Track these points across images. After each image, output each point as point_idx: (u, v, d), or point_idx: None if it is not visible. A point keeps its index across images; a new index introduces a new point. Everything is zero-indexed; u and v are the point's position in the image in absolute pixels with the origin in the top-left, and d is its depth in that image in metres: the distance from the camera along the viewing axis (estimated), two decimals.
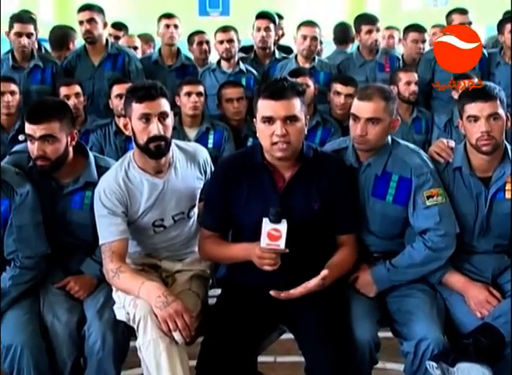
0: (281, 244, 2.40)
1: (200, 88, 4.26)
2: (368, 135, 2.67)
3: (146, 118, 2.58)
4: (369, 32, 4.84)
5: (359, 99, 2.70)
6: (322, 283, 2.48)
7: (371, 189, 2.74)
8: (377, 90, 2.71)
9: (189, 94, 4.18)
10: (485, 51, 4.68)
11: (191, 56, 5.28)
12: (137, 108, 2.58)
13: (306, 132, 2.59)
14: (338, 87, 4.34)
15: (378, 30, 4.88)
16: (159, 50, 5.11)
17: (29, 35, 4.57)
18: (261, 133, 2.53)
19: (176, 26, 5.02)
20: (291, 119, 2.47)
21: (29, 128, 2.71)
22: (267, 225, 2.40)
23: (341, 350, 2.41)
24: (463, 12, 5.04)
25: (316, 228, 2.62)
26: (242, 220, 2.64)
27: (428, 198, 2.65)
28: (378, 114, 2.66)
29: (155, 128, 2.58)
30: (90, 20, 4.65)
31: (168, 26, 5.00)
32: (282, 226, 2.39)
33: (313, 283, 2.47)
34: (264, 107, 2.50)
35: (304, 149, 2.60)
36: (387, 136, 2.74)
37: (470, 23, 4.87)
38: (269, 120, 2.48)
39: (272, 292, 2.47)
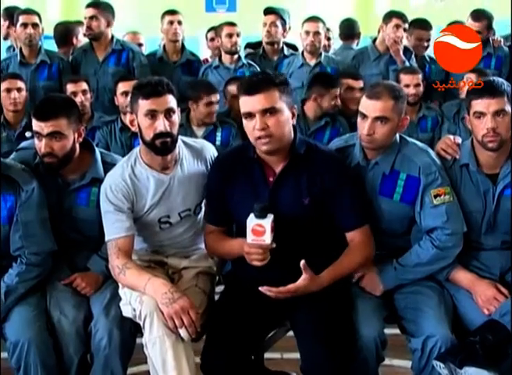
0: (266, 239, 2.40)
1: (218, 97, 4.24)
2: (376, 134, 2.64)
3: (152, 114, 2.57)
4: (397, 26, 4.79)
5: (367, 97, 2.67)
6: (308, 278, 2.47)
7: (379, 187, 2.72)
8: (386, 88, 2.67)
9: (209, 104, 4.18)
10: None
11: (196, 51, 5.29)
12: (144, 105, 2.58)
13: (292, 122, 2.57)
14: (350, 82, 4.34)
15: (405, 29, 4.84)
16: (164, 46, 5.10)
17: (34, 25, 4.61)
18: (245, 129, 2.54)
19: (179, 23, 5.02)
20: (270, 111, 2.46)
21: (36, 125, 2.71)
22: (251, 221, 2.40)
23: (339, 348, 2.40)
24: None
25: (308, 224, 2.59)
26: (237, 215, 2.62)
27: (436, 196, 2.63)
28: (387, 113, 2.63)
29: (161, 125, 2.58)
30: (92, 17, 4.68)
31: (171, 22, 5.00)
32: (266, 222, 2.39)
33: (299, 281, 2.47)
34: (243, 103, 2.51)
35: (295, 143, 2.58)
36: (395, 135, 2.72)
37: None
38: (249, 115, 2.49)
39: (261, 288, 2.47)
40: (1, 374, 2.81)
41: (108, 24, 4.76)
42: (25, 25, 4.62)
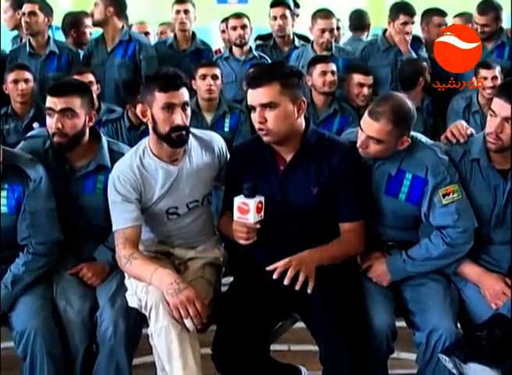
0: (250, 218, 2.44)
1: (216, 71, 4.26)
2: (369, 149, 2.61)
3: (169, 107, 2.56)
4: (405, 23, 4.72)
5: (368, 114, 2.59)
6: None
7: (385, 186, 2.70)
8: (391, 110, 2.55)
9: (204, 76, 4.20)
10: None
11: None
12: (161, 97, 2.56)
13: (299, 114, 2.56)
14: (360, 78, 4.30)
15: (413, 23, 4.79)
16: (174, 35, 5.12)
17: (33, 14, 4.61)
18: (252, 120, 2.59)
19: (186, 11, 5.00)
20: (268, 105, 2.49)
21: (50, 101, 2.73)
22: (238, 199, 2.45)
23: (356, 338, 2.41)
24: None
25: (317, 214, 2.60)
26: None
27: (445, 196, 2.60)
28: (381, 136, 2.57)
29: (179, 118, 2.58)
30: (95, 4, 4.68)
31: (178, 11, 5.00)
32: (252, 201, 2.43)
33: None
34: (248, 96, 2.57)
35: (307, 133, 2.60)
36: (391, 151, 2.64)
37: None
38: (252, 108, 2.54)
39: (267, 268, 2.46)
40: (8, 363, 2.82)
41: (116, 14, 4.72)
42: (24, 14, 4.63)
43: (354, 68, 4.50)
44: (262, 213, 2.46)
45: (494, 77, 4.23)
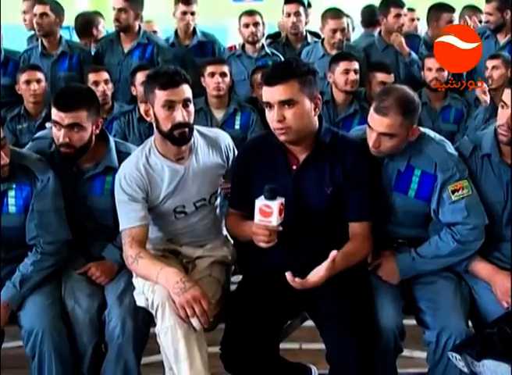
0: (272, 220, 2.39)
1: (225, 68, 4.23)
2: (381, 147, 2.57)
3: (170, 105, 2.55)
4: (397, 16, 4.73)
5: (375, 111, 2.54)
6: (332, 266, 2.42)
7: (394, 183, 2.67)
8: (396, 102, 2.52)
9: (212, 74, 4.18)
10: None
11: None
12: (161, 95, 2.56)
13: (316, 112, 2.54)
14: (383, 76, 4.22)
15: (405, 15, 4.80)
16: (175, 31, 5.10)
17: (44, 15, 4.63)
18: (267, 117, 2.54)
19: (192, 13, 5.00)
20: (287, 103, 2.45)
21: (56, 115, 2.71)
22: (260, 201, 2.40)
23: (364, 337, 2.39)
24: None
25: (330, 214, 2.57)
26: None
27: (454, 192, 2.57)
28: (393, 130, 2.53)
29: (180, 115, 2.56)
30: (121, 10, 4.67)
31: (185, 13, 4.99)
32: (274, 203, 2.37)
33: (323, 268, 2.42)
34: (264, 93, 2.52)
35: (321, 132, 2.57)
36: (404, 144, 2.61)
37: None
38: (269, 105, 2.49)
39: (287, 275, 2.42)
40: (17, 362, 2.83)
41: (137, 16, 4.74)
42: (35, 15, 4.66)
43: (376, 67, 4.41)
44: (283, 215, 2.42)
45: (494, 67, 4.17)
